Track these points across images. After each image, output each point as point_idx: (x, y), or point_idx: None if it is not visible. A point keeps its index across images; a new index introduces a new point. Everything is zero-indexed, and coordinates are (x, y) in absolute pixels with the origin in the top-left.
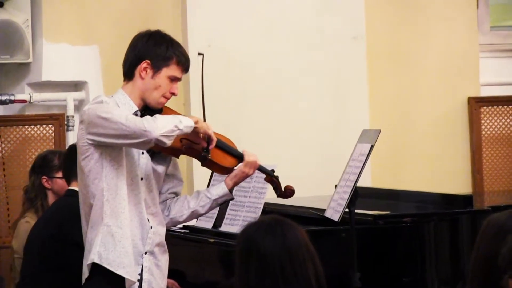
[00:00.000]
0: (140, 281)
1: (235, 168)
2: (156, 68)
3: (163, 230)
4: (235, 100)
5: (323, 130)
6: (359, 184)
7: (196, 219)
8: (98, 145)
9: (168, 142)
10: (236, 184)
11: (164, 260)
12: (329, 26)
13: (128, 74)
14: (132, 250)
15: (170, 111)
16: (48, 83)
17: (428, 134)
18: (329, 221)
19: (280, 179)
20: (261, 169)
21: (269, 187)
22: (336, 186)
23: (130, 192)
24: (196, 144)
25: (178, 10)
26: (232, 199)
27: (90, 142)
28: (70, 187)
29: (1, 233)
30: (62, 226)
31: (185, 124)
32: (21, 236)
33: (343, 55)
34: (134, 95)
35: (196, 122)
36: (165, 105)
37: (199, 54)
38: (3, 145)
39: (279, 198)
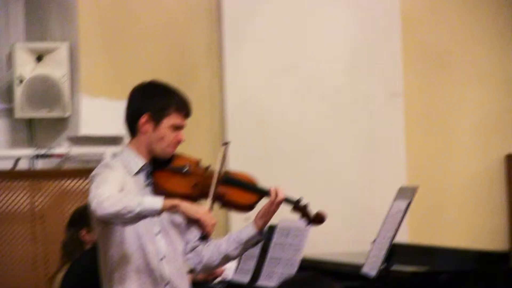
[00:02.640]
0: None
1: (256, 204)
2: (156, 119)
3: (184, 285)
4: (268, 156)
5: (360, 187)
6: (396, 241)
7: (235, 269)
8: None
9: (122, 221)
10: (265, 223)
11: None
12: (366, 83)
13: (131, 130)
14: None
15: (182, 159)
16: (86, 137)
17: (466, 191)
18: (366, 277)
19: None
20: (287, 200)
21: (308, 235)
22: (372, 242)
23: (138, 253)
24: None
25: (214, 64)
26: (263, 240)
27: None
28: None
29: (40, 287)
30: (82, 279)
31: (144, 206)
32: None
33: (381, 112)
34: (140, 150)
35: (174, 206)
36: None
37: (224, 144)
38: (41, 199)
39: (317, 253)
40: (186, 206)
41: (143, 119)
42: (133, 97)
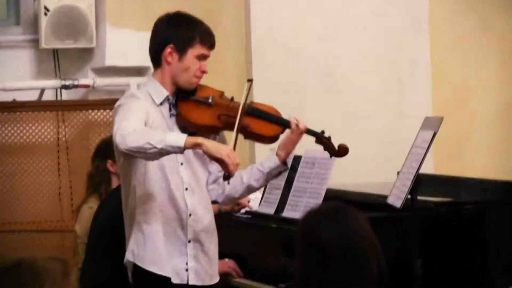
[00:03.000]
0: (187, 269)
1: (280, 135)
2: (181, 50)
3: (207, 216)
4: (293, 88)
5: (386, 118)
6: (421, 171)
7: (260, 202)
8: None
9: (144, 156)
10: (288, 153)
11: (212, 245)
12: (392, 12)
13: (155, 61)
14: (166, 244)
15: (206, 90)
16: (111, 68)
17: (492, 121)
18: (391, 207)
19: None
20: (310, 132)
21: (332, 169)
22: (398, 172)
23: (161, 184)
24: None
25: None
26: (286, 170)
27: None
28: None
29: (65, 218)
30: (114, 213)
31: (167, 143)
32: (84, 221)
33: (406, 42)
34: (165, 81)
35: (197, 145)
36: (201, 84)
37: (248, 80)
38: (66, 130)
39: (342, 184)
40: (209, 145)
41: (168, 49)
42: (158, 28)
